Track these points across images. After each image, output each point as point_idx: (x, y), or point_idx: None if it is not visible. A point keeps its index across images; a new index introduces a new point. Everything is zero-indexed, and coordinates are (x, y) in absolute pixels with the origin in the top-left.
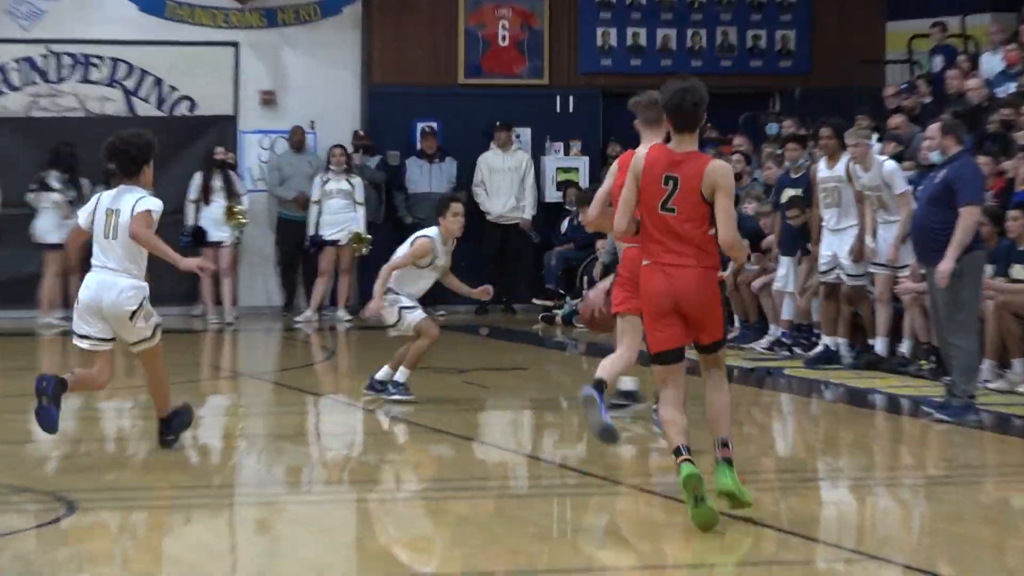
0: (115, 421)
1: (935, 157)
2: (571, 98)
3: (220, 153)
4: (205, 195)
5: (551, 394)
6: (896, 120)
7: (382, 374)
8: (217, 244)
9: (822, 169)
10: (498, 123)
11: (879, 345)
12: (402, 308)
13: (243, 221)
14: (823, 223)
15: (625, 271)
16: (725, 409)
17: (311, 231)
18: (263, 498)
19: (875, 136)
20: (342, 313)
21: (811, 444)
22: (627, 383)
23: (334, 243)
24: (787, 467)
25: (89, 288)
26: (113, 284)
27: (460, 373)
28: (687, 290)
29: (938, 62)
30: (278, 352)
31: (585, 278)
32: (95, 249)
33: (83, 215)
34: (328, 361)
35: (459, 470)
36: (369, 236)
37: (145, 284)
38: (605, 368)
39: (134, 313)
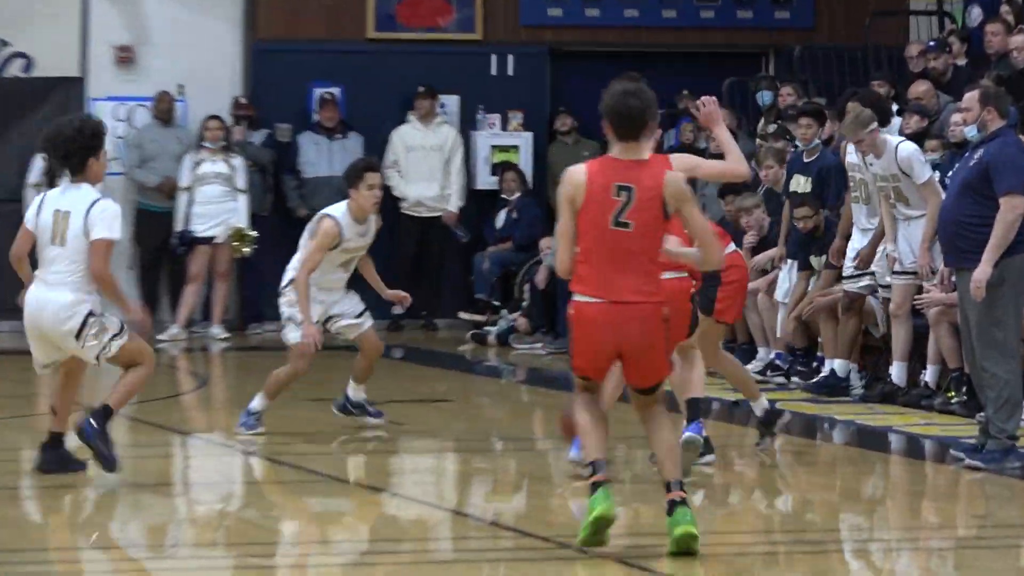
0: None
1: (971, 134)
2: (510, 57)
3: None
4: (50, 179)
5: (482, 433)
6: (920, 88)
7: (352, 392)
8: None
9: (851, 154)
10: (421, 88)
11: (896, 372)
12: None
13: None
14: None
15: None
16: (673, 449)
17: (179, 226)
18: (115, 563)
19: (894, 107)
20: (217, 330)
21: (811, 498)
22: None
23: (209, 241)
24: (783, 526)
25: (28, 307)
26: (49, 301)
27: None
28: (634, 335)
29: (976, 14)
30: None
31: (526, 286)
32: (38, 257)
33: (28, 217)
34: (199, 391)
35: (365, 529)
36: (254, 232)
37: (89, 296)
38: (692, 384)
39: (79, 333)
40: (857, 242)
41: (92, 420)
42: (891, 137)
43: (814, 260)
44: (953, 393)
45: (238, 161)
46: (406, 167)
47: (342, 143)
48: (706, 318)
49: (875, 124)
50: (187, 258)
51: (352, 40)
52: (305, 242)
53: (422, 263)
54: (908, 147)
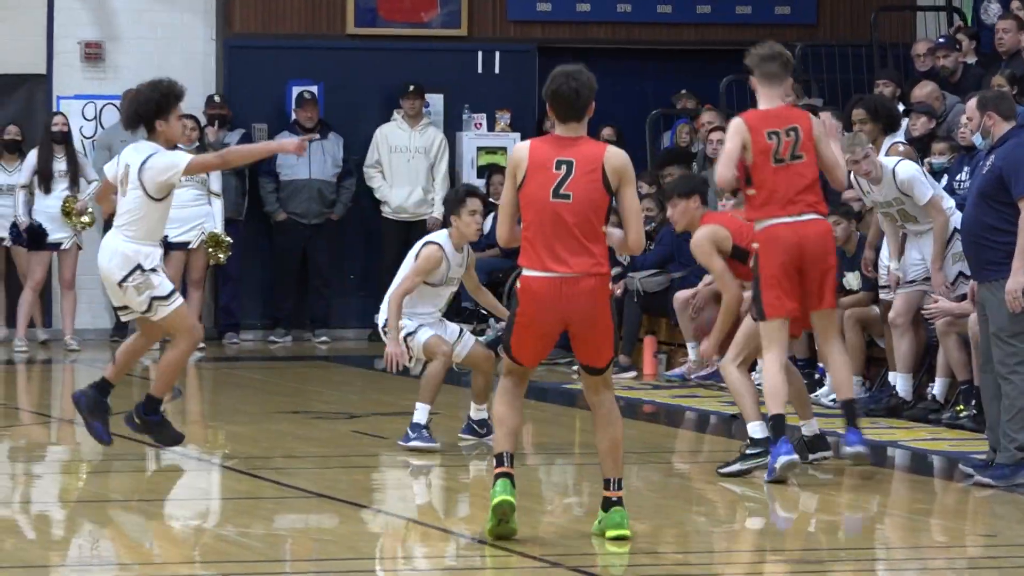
0: None
1: (979, 142)
2: (497, 55)
3: (59, 123)
4: (45, 181)
5: (469, 448)
6: (924, 89)
7: (475, 412)
8: (55, 246)
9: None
10: (411, 86)
11: (901, 384)
12: (406, 336)
13: (86, 221)
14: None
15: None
16: (619, 444)
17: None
18: None
19: (900, 107)
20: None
21: (810, 514)
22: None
23: (183, 247)
24: (783, 544)
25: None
26: (106, 247)
27: (349, 419)
28: (581, 309)
29: (994, 10)
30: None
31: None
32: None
33: (109, 168)
34: (173, 403)
35: (345, 546)
36: (229, 239)
37: (145, 250)
38: (776, 395)
39: (122, 282)
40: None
41: (135, 409)
42: (887, 160)
43: (850, 277)
44: (962, 407)
45: None
46: (389, 169)
47: (321, 144)
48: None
49: (868, 148)
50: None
51: (331, 36)
52: (406, 267)
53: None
54: (907, 168)
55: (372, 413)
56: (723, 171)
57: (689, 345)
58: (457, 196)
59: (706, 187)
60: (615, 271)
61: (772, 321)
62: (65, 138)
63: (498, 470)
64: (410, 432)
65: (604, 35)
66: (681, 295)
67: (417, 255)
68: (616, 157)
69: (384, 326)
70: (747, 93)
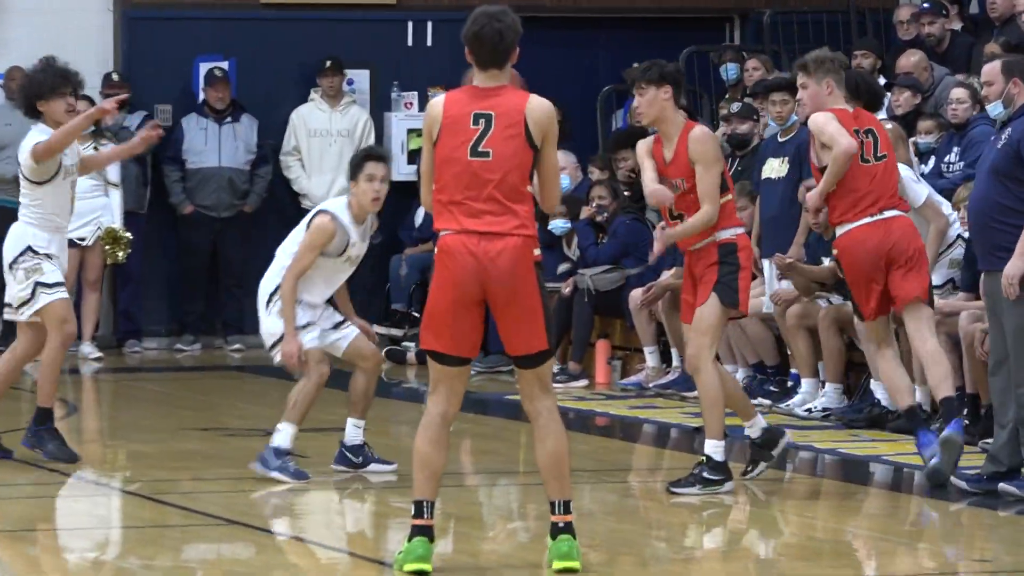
0: None
1: (996, 111)
2: (429, 25)
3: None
4: None
5: (400, 468)
6: (911, 58)
7: (351, 432)
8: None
9: None
10: (328, 62)
11: (883, 393)
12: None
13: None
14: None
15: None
16: (561, 459)
17: None
18: None
19: (881, 80)
20: (89, 348)
21: (782, 538)
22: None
23: (77, 243)
24: (749, 573)
25: None
26: (10, 229)
27: (265, 436)
28: (501, 272)
29: None
30: None
31: None
32: None
33: None
34: (68, 419)
35: None
36: (129, 235)
37: (42, 234)
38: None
39: (12, 264)
40: None
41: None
42: None
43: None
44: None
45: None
46: (308, 155)
47: (233, 127)
48: (724, 311)
49: None
50: None
51: (244, 6)
52: (295, 240)
53: None
54: (901, 171)
55: None
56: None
57: (647, 350)
58: (355, 160)
59: (681, 77)
60: (563, 267)
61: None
62: None
63: (416, 522)
64: (267, 457)
65: (552, 3)
66: (636, 294)
67: (308, 224)
68: (540, 109)
69: (269, 301)
70: (709, 66)
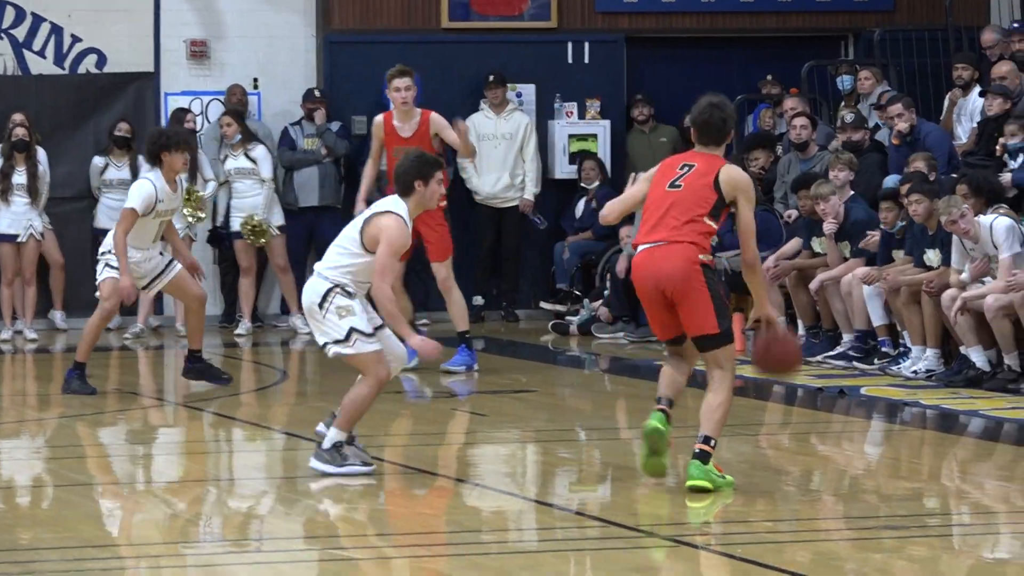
0: None
1: None
2: (586, 45)
3: (123, 130)
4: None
5: (565, 424)
6: (1003, 67)
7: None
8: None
9: None
10: (491, 77)
11: (976, 357)
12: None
13: (201, 216)
14: None
15: None
16: (711, 407)
17: (211, 222)
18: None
19: (976, 89)
20: (299, 321)
21: (894, 481)
22: None
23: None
24: (867, 513)
25: None
26: None
27: (450, 398)
28: (670, 275)
29: None
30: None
31: (608, 275)
32: None
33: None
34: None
35: (448, 520)
36: (268, 226)
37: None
38: None
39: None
40: None
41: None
42: (984, 218)
43: (930, 253)
44: None
45: (260, 151)
46: (478, 157)
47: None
48: None
49: (964, 208)
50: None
51: (426, 30)
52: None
53: (500, 253)
54: (1004, 224)
55: (472, 392)
56: None
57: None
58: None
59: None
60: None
61: None
62: (127, 143)
63: (656, 407)
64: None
65: (689, 24)
66: (767, 264)
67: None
68: (732, 174)
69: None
70: (828, 79)
